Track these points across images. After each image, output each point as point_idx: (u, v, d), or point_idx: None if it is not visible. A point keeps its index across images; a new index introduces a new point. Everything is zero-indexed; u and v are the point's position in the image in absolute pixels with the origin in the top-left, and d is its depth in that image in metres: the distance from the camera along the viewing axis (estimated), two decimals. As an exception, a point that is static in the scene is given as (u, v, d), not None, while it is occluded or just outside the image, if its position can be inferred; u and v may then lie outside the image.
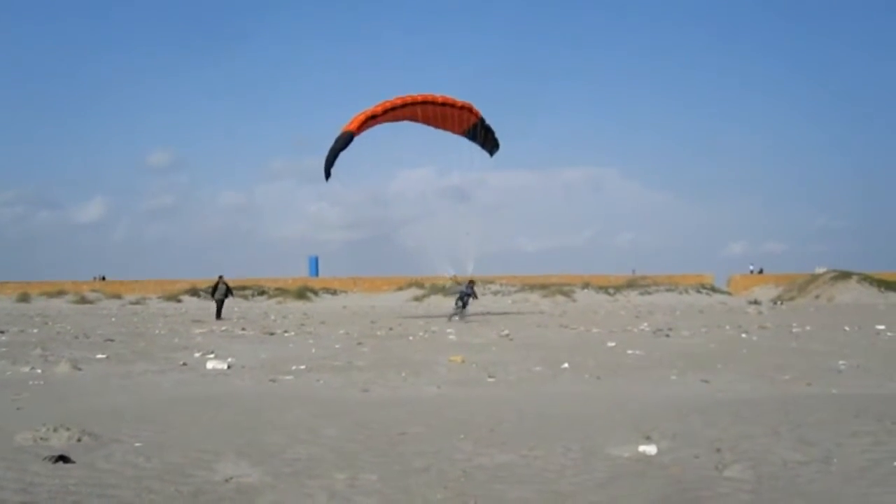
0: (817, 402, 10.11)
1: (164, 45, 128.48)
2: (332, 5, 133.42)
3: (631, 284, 67.14)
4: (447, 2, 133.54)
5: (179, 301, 60.82)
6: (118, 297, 63.60)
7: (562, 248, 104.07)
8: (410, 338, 22.61)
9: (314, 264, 75.45)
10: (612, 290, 65.17)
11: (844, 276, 64.46)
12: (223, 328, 27.85)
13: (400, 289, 66.09)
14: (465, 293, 32.72)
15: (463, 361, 15.68)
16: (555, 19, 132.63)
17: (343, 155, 30.03)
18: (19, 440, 7.69)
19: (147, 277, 69.33)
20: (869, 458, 6.99)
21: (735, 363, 15.25)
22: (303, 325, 30.44)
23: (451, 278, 34.07)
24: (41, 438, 7.68)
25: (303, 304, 58.70)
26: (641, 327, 27.05)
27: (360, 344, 20.25)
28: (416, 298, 61.85)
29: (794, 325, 27.55)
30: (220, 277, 35.75)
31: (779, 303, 57.28)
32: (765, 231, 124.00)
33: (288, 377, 13.74)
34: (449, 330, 25.89)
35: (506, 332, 24.48)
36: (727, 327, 26.50)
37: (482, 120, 32.50)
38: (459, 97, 31.68)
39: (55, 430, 7.83)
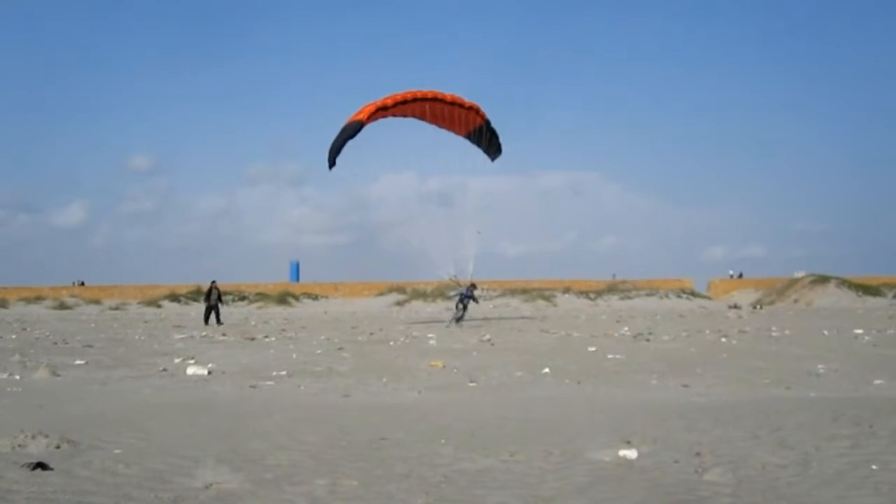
0: (796, 405, 10.18)
1: (144, 50, 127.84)
2: (316, 9, 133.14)
3: (611, 289, 67.35)
4: (426, 6, 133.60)
5: (159, 306, 60.53)
6: (97, 302, 63.23)
7: (543, 253, 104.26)
8: (391, 343, 22.58)
9: (295, 269, 75.28)
10: (592, 295, 65.33)
11: (823, 280, 64.92)
12: (203, 333, 27.72)
13: (381, 294, 66.03)
14: (466, 296, 32.58)
15: (444, 366, 15.69)
16: (535, 23, 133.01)
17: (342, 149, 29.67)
18: (-3, 447, 7.62)
19: (127, 282, 69.06)
20: (847, 462, 7.04)
21: (715, 367, 15.33)
22: (284, 330, 30.34)
23: (451, 280, 33.74)
24: (19, 445, 7.60)
25: (284, 310, 58.51)
26: (622, 332, 27.13)
27: (340, 349, 20.21)
28: (398, 303, 61.82)
29: (774, 329, 27.72)
30: (213, 283, 35.59)
31: (758, 307, 57.62)
32: (745, 235, 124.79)
33: (269, 383, 13.70)
34: (430, 335, 25.86)
35: (487, 336, 24.49)
36: (707, 332, 26.63)
37: (488, 122, 32.07)
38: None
39: (33, 436, 7.76)
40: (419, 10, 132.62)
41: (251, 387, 13.15)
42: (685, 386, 12.82)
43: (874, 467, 6.83)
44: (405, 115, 30.67)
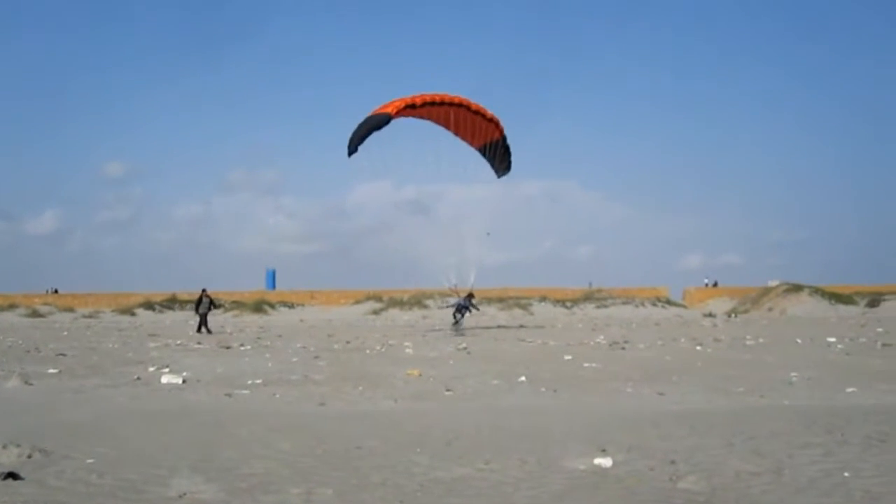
0: (770, 413, 10.25)
1: (121, 57, 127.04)
2: (297, 17, 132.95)
3: (588, 298, 67.51)
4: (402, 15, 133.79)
5: (134, 314, 60.04)
6: (71, 310, 62.62)
7: (519, 262, 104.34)
8: (368, 351, 22.54)
9: (271, 277, 74.95)
10: (569, 304, 65.45)
11: (796, 289, 65.40)
12: (179, 342, 27.53)
13: (358, 302, 65.84)
14: (463, 305, 32.51)
15: (420, 375, 15.67)
16: (512, 30, 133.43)
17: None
18: (-33, 457, 7.54)
19: (101, 290, 68.45)
20: (819, 469, 7.10)
21: (690, 376, 15.41)
22: (259, 338, 30.19)
23: (450, 290, 33.56)
24: (-10, 455, 7.54)
25: (259, 318, 58.19)
26: (598, 340, 27.21)
27: (316, 358, 20.14)
28: (374, 312, 61.65)
29: (748, 337, 27.88)
30: (204, 291, 35.26)
31: (733, 315, 57.94)
32: (720, 244, 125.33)
33: (244, 391, 13.63)
34: (406, 343, 25.84)
35: (463, 345, 24.50)
36: (682, 340, 26.75)
37: (504, 138, 31.74)
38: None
39: (4, 446, 7.69)
40: (397, 20, 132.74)
41: (226, 395, 13.08)
42: (660, 394, 12.88)
43: (846, 475, 6.90)
44: (429, 118, 30.21)
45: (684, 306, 68.54)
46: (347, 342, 27.16)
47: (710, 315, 56.12)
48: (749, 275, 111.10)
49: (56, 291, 69.24)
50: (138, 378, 15.56)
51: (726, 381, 14.47)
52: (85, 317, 59.70)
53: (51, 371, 16.81)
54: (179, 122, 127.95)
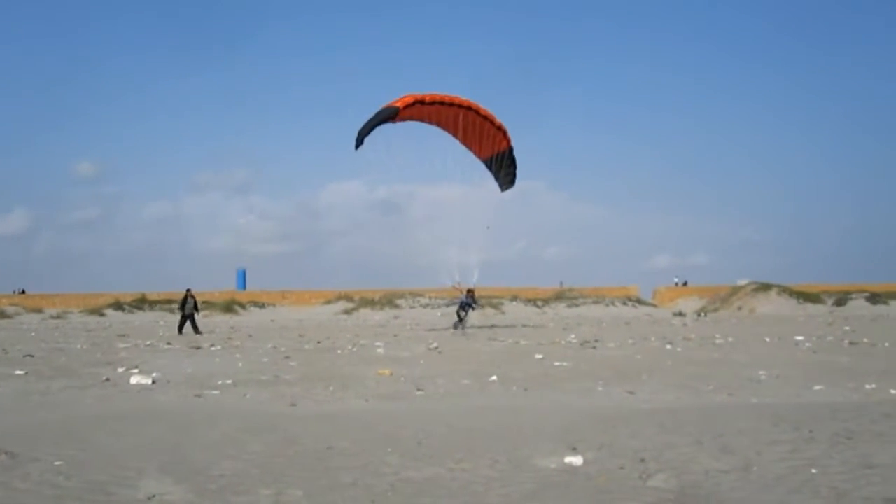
0: (738, 411, 10.33)
1: (89, 56, 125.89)
2: (271, 18, 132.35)
3: (559, 297, 67.81)
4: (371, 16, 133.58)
5: (103, 315, 59.51)
6: (39, 311, 62.01)
7: (490, 261, 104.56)
8: (339, 351, 22.47)
9: (242, 277, 74.62)
10: (540, 303, 65.74)
11: (765, 288, 66.11)
12: (148, 342, 27.31)
13: (329, 302, 65.73)
14: (466, 303, 32.41)
15: (391, 375, 15.65)
16: (484, 32, 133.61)
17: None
18: (-69, 460, 7.43)
19: (69, 291, 67.81)
20: (787, 466, 7.17)
21: (660, 374, 15.51)
22: (230, 338, 30.01)
23: (453, 287, 33.36)
24: (-45, 458, 7.44)
25: (230, 318, 57.93)
26: (569, 339, 27.29)
27: (287, 358, 20.05)
28: (346, 311, 61.56)
29: (717, 336, 28.11)
30: (188, 291, 34.90)
31: (702, 314, 58.43)
32: (690, 244, 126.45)
33: (214, 392, 13.55)
34: (377, 343, 25.80)
35: (434, 345, 24.48)
36: (652, 339, 26.91)
37: (511, 149, 31.49)
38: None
39: (-30, 449, 7.60)
40: (366, 20, 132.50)
41: (196, 396, 13.00)
42: (631, 393, 12.95)
43: (814, 471, 6.96)
44: (438, 118, 29.82)
45: (654, 305, 69.07)
46: (318, 342, 27.08)
47: (680, 314, 56.56)
48: (718, 274, 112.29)
49: (23, 292, 68.54)
50: (107, 379, 15.41)
51: (696, 379, 14.58)
52: (53, 317, 59.12)
53: (17, 372, 16.60)
54: (151, 122, 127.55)
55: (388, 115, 28.84)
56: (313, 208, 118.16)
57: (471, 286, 32.92)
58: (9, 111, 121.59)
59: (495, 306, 63.35)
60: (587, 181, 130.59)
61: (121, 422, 10.05)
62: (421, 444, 8.42)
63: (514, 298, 66.38)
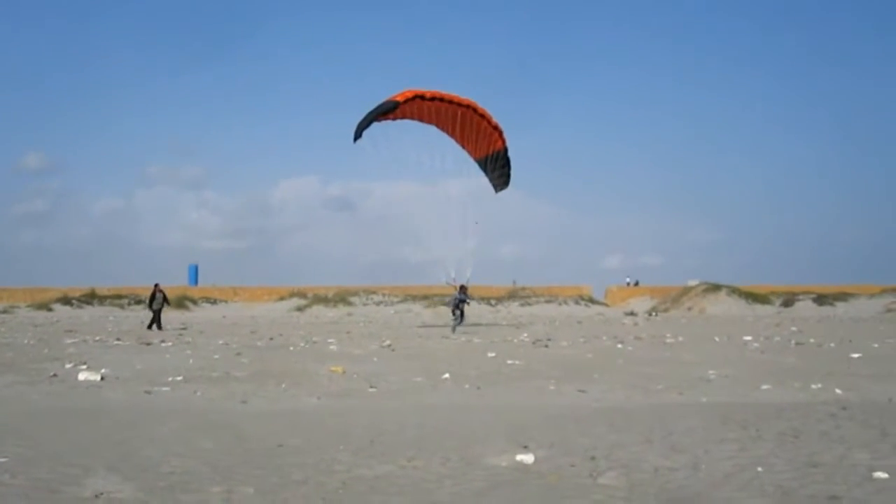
0: (688, 410, 10.47)
1: (38, 42, 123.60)
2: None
3: (512, 296, 67.99)
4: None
5: (51, 310, 58.44)
6: (-17, 305, 60.77)
7: (444, 260, 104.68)
8: (291, 348, 22.33)
9: (193, 273, 73.79)
10: (493, 301, 65.84)
11: (715, 288, 66.87)
12: (97, 338, 26.90)
13: (282, 298, 65.23)
14: (461, 300, 32.23)
15: (344, 372, 15.60)
16: (452, 30, 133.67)
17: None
18: None
19: (16, 285, 66.58)
20: (735, 464, 7.28)
21: (611, 373, 15.63)
22: (180, 335, 29.68)
23: (446, 284, 33.09)
24: None
25: (181, 314, 57.19)
26: (521, 338, 27.40)
27: (239, 354, 19.87)
28: (299, 308, 61.16)
29: (668, 335, 28.38)
30: (157, 286, 34.27)
31: (653, 314, 58.97)
32: (641, 244, 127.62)
33: (164, 388, 13.39)
34: (330, 340, 25.68)
35: (387, 342, 24.43)
36: (604, 338, 27.10)
37: (506, 150, 31.27)
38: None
39: None
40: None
41: (146, 392, 12.84)
42: (582, 391, 13.04)
43: (760, 469, 7.08)
44: (436, 115, 29.42)
45: (606, 305, 69.53)
46: (271, 339, 26.88)
47: (632, 314, 57.01)
48: (669, 274, 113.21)
49: (-33, 286, 67.12)
50: (55, 375, 15.16)
51: (646, 378, 14.72)
52: (-2, 312, 57.97)
53: (-39, 368, 16.28)
54: (100, 114, 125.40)
55: (388, 109, 28.73)
56: (266, 204, 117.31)
57: (464, 283, 32.75)
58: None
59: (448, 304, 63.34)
60: (542, 179, 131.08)
61: (68, 418, 9.91)
62: (373, 441, 8.41)
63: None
